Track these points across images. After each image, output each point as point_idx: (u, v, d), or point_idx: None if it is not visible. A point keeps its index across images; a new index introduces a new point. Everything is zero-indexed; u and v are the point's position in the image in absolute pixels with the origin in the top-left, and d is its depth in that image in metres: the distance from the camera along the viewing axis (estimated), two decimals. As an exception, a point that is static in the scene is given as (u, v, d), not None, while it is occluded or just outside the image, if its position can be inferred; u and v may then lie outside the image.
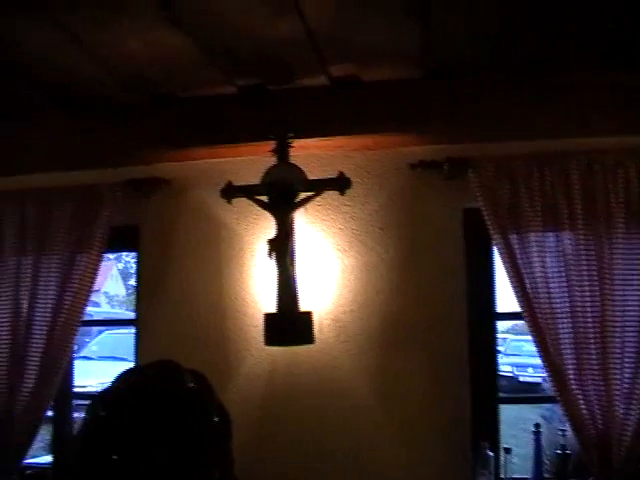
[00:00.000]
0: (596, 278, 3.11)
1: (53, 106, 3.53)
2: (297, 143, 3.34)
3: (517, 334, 14.07)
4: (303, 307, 3.33)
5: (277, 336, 3.32)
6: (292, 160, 3.35)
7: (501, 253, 3.20)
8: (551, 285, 3.15)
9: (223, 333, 3.60)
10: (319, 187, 3.35)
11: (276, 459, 3.47)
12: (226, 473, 1.67)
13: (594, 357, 3.08)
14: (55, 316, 3.59)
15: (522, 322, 3.28)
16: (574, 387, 3.09)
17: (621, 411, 3.04)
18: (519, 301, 3.17)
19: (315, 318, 3.36)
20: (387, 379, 3.44)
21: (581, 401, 3.08)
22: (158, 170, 3.66)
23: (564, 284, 3.14)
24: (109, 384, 1.67)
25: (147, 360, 1.67)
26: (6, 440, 3.58)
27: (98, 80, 3.27)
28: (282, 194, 3.31)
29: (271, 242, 3.28)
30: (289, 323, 3.30)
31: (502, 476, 3.29)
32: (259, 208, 3.39)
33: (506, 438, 3.48)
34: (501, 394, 3.57)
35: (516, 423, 7.57)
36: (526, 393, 11.87)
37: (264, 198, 3.36)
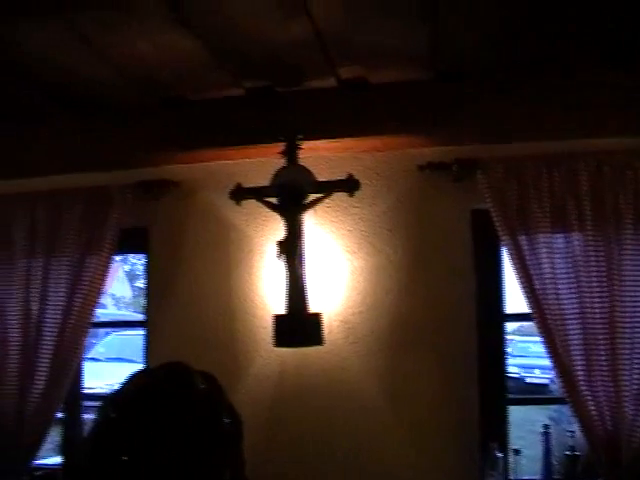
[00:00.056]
0: (605, 279, 3.11)
1: (63, 109, 3.54)
2: (306, 145, 3.34)
3: (524, 335, 14.04)
4: (312, 308, 3.34)
5: (286, 337, 3.32)
6: (301, 162, 3.35)
7: (510, 254, 3.20)
8: (560, 286, 3.15)
9: (232, 334, 3.61)
10: (328, 189, 3.35)
11: (285, 460, 3.48)
12: (237, 474, 1.67)
13: (603, 358, 3.08)
14: (65, 318, 3.60)
15: (529, 323, 3.28)
16: (583, 388, 3.09)
17: (630, 412, 3.04)
18: (528, 302, 3.17)
19: (324, 319, 3.37)
20: (396, 380, 3.45)
21: (590, 402, 3.08)
22: (167, 172, 3.67)
23: (573, 285, 3.13)
24: (119, 386, 1.67)
25: (157, 362, 1.67)
26: (16, 441, 3.60)
27: (108, 82, 3.28)
28: (291, 196, 3.32)
29: (280, 243, 3.29)
30: (298, 324, 3.31)
31: (511, 477, 3.29)
32: (268, 210, 3.40)
33: (513, 440, 3.48)
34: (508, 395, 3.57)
35: (523, 425, 7.55)
36: (533, 394, 11.84)
37: (273, 200, 3.37)
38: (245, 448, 1.79)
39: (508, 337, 3.62)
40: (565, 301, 3.14)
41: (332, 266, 3.53)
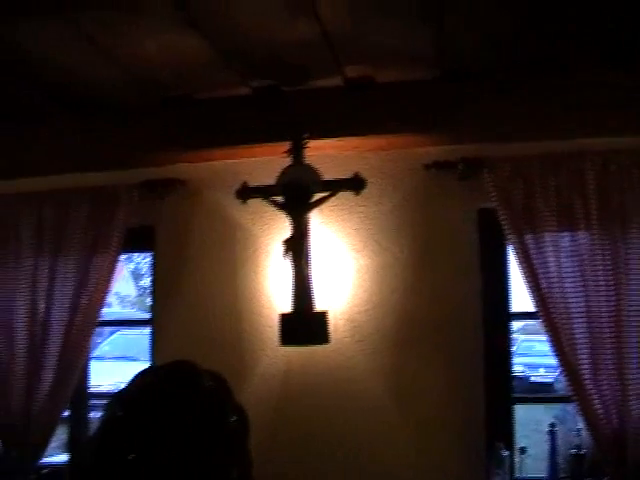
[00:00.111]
0: (611, 277, 3.11)
1: (67, 109, 3.55)
2: (312, 144, 3.34)
3: (528, 334, 14.01)
4: (318, 307, 3.34)
5: (292, 336, 3.33)
6: (307, 161, 3.35)
7: (516, 253, 3.20)
8: (566, 285, 3.15)
9: (238, 333, 3.61)
10: (334, 188, 3.36)
11: (291, 459, 3.48)
12: (244, 473, 1.67)
13: (609, 356, 3.08)
14: (72, 317, 3.61)
15: (533, 322, 3.29)
16: (589, 386, 3.09)
17: (636, 410, 3.04)
18: (534, 301, 3.17)
19: (330, 318, 3.37)
20: (402, 379, 3.45)
21: (596, 400, 3.08)
22: (173, 171, 3.68)
23: (579, 284, 3.14)
24: (126, 384, 1.67)
25: (163, 361, 1.67)
26: (23, 440, 3.61)
27: (113, 82, 3.29)
28: (297, 195, 3.32)
29: (286, 242, 3.29)
30: (304, 323, 3.32)
31: (517, 476, 3.30)
32: (274, 209, 3.40)
33: (518, 439, 3.48)
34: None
35: (528, 424, 7.54)
36: (537, 393, 11.81)
37: (279, 199, 3.37)
38: (251, 447, 1.80)
39: (512, 336, 3.62)
40: (571, 300, 3.14)
41: (338, 265, 3.53)
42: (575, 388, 3.11)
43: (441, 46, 2.98)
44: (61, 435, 4.09)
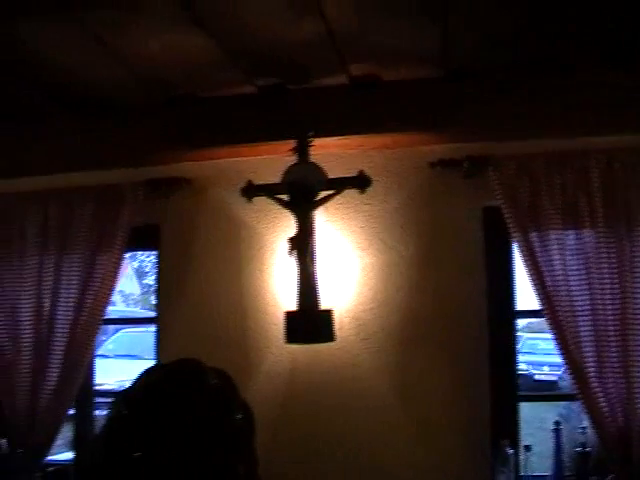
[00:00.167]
0: (616, 275, 3.11)
1: (74, 108, 3.55)
2: (317, 142, 3.34)
3: (532, 332, 14.00)
4: (323, 305, 3.34)
5: (298, 334, 3.33)
6: (312, 159, 3.35)
7: (521, 251, 3.20)
8: (571, 283, 3.15)
9: (243, 331, 3.62)
10: (339, 186, 3.36)
11: (296, 457, 3.49)
12: (250, 470, 1.67)
13: (614, 354, 3.08)
14: (77, 315, 3.61)
15: (537, 320, 3.29)
16: (595, 384, 3.09)
17: (642, 408, 3.05)
18: (539, 299, 3.17)
19: (335, 316, 3.38)
20: (407, 377, 3.45)
21: (601, 398, 3.08)
22: (178, 170, 3.68)
23: (584, 282, 3.14)
24: (132, 382, 1.68)
25: (168, 359, 1.68)
26: (29, 438, 3.62)
27: (119, 81, 3.29)
28: (302, 193, 3.32)
29: (292, 240, 3.30)
30: (310, 321, 3.32)
31: (522, 474, 3.30)
32: (279, 207, 3.41)
33: (523, 437, 3.48)
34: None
35: (532, 422, 7.54)
36: (542, 392, 11.81)
37: (284, 197, 3.38)
38: (257, 445, 1.80)
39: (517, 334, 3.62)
40: (576, 297, 3.14)
41: (343, 263, 3.53)
42: (580, 386, 3.10)
43: (445, 45, 2.98)
44: (66, 433, 4.09)
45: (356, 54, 3.07)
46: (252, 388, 3.43)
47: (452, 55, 3.08)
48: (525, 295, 3.50)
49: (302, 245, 3.29)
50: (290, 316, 3.33)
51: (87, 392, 3.94)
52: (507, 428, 3.35)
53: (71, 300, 3.64)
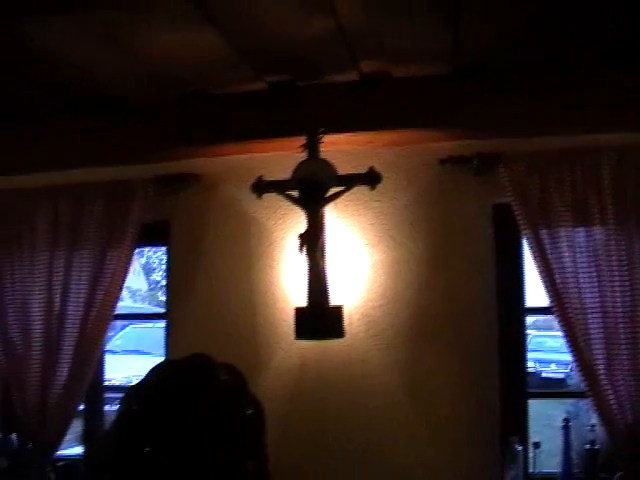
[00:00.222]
0: (626, 273, 3.11)
1: (86, 104, 3.55)
2: (327, 139, 3.33)
3: (540, 330, 14.00)
4: (333, 301, 3.34)
5: (307, 330, 3.33)
6: (322, 156, 3.35)
7: (531, 248, 3.20)
8: (581, 280, 3.15)
9: (253, 327, 3.62)
10: (349, 182, 3.35)
11: (304, 453, 3.50)
12: (260, 466, 1.68)
13: (624, 352, 3.08)
14: (87, 311, 3.63)
15: (545, 318, 3.29)
16: (604, 382, 3.09)
17: (652, 406, 3.05)
18: (549, 296, 3.17)
19: (345, 312, 3.37)
20: (416, 374, 3.45)
21: (611, 396, 3.08)
22: (188, 166, 3.68)
23: (594, 279, 3.14)
24: (143, 378, 1.69)
25: (177, 355, 1.69)
26: (39, 433, 3.64)
27: (130, 78, 3.29)
28: (312, 189, 3.32)
29: (301, 237, 3.30)
30: (319, 317, 3.32)
31: (531, 471, 3.30)
32: (289, 203, 3.41)
33: (531, 434, 3.49)
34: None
35: (540, 419, 7.55)
36: (549, 389, 11.80)
37: (294, 193, 3.37)
38: (267, 441, 1.81)
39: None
40: (586, 295, 3.14)
41: (353, 259, 3.53)
42: (590, 383, 3.10)
43: (456, 42, 2.97)
44: (76, 428, 4.11)
45: (366, 51, 3.07)
46: (261, 384, 3.41)
47: (463, 52, 3.08)
48: (535, 292, 3.50)
49: (312, 241, 3.29)
50: (300, 312, 3.33)
51: (97, 387, 3.95)
52: (516, 425, 3.35)
53: (81, 296, 3.65)
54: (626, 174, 3.15)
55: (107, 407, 4.05)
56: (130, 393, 1.67)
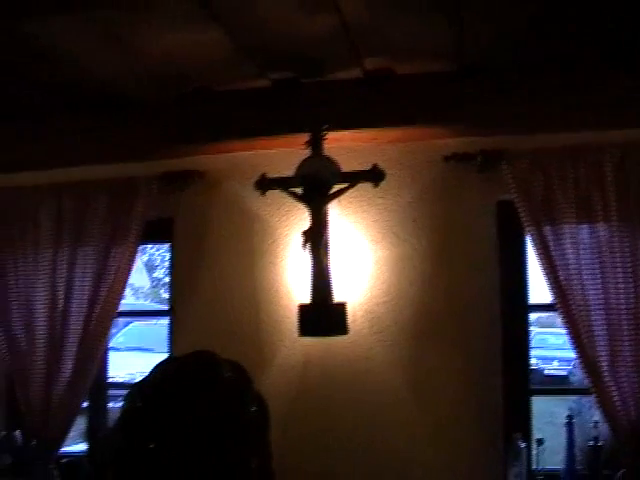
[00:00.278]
0: (630, 269, 3.11)
1: (88, 103, 3.56)
2: (330, 135, 3.34)
3: (542, 327, 13.99)
4: (337, 298, 3.35)
5: (311, 327, 3.34)
6: (326, 152, 3.35)
7: (535, 245, 3.20)
8: (585, 277, 3.15)
9: (257, 324, 3.63)
10: (353, 179, 3.35)
11: (308, 450, 3.50)
12: (264, 463, 1.68)
13: (627, 348, 3.08)
14: (91, 308, 3.63)
15: (547, 315, 3.29)
16: (607, 378, 3.09)
17: (655, 403, 3.05)
18: (553, 293, 3.17)
19: (349, 309, 3.38)
20: (420, 371, 3.46)
21: (615, 392, 3.08)
22: (192, 163, 3.69)
23: (598, 276, 3.14)
24: (147, 374, 1.69)
25: (181, 351, 1.69)
26: (43, 430, 3.64)
27: (134, 76, 3.30)
28: (316, 186, 3.32)
29: (305, 234, 3.30)
30: (323, 314, 3.32)
31: (534, 467, 3.31)
32: (293, 200, 3.41)
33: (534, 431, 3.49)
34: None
35: (542, 416, 7.53)
36: (551, 386, 11.79)
37: (298, 190, 3.38)
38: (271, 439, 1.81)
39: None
40: (589, 291, 3.14)
41: (356, 256, 3.54)
42: (593, 380, 3.11)
43: (459, 40, 2.98)
44: (80, 424, 4.12)
45: (370, 48, 3.07)
46: (265, 382, 3.40)
47: (466, 50, 3.08)
48: (538, 289, 3.51)
49: (315, 238, 3.29)
50: (303, 309, 3.33)
51: (101, 384, 3.96)
52: (519, 422, 3.35)
53: (85, 293, 3.66)
54: (629, 171, 3.15)
55: (111, 404, 4.05)
56: (134, 390, 1.66)
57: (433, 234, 3.48)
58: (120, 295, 3.67)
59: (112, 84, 3.39)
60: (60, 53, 3.01)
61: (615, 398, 3.08)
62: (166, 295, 4.05)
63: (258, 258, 3.66)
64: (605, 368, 3.10)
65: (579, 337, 3.13)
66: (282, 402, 3.42)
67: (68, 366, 3.64)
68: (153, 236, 3.83)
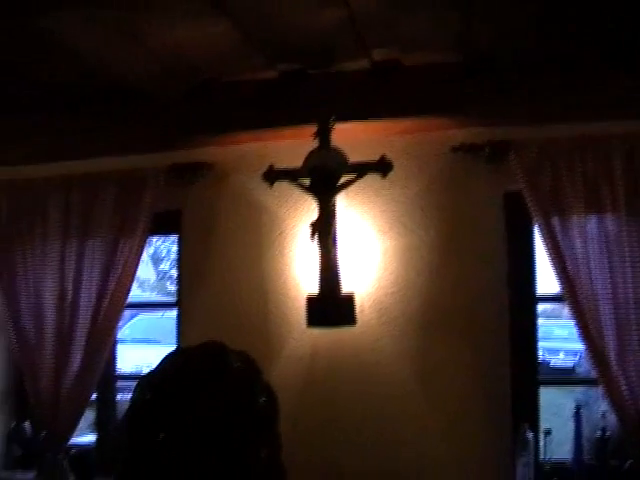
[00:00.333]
0: (638, 260, 3.10)
1: (99, 96, 3.56)
2: (338, 127, 3.34)
3: (548, 318, 13.97)
4: (345, 289, 3.35)
5: (319, 318, 3.35)
6: (333, 144, 3.35)
7: (543, 236, 3.20)
8: (593, 268, 3.14)
9: (265, 316, 3.63)
10: (360, 170, 3.35)
11: (316, 442, 3.51)
12: (273, 455, 1.68)
13: (635, 339, 3.08)
14: (99, 300, 3.64)
15: (552, 306, 3.29)
16: (615, 369, 3.09)
17: (663, 393, 3.05)
18: (561, 284, 3.17)
19: (357, 300, 3.39)
20: (428, 362, 3.46)
21: (622, 383, 3.08)
22: (200, 155, 3.69)
23: (606, 267, 3.13)
24: (155, 366, 1.69)
25: (189, 343, 1.69)
26: (52, 422, 3.66)
27: (143, 68, 3.30)
28: (324, 178, 3.32)
29: (313, 225, 3.30)
30: (331, 305, 3.33)
31: (542, 458, 3.31)
32: (301, 192, 3.41)
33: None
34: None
35: (549, 408, 7.53)
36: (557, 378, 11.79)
37: (306, 182, 3.38)
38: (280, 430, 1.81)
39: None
40: (597, 282, 3.14)
41: (364, 247, 3.54)
42: (601, 370, 3.10)
43: (466, 32, 2.98)
44: (88, 416, 4.13)
45: (378, 39, 3.07)
46: (273, 373, 3.40)
47: (473, 42, 3.08)
48: (546, 280, 3.51)
49: (323, 230, 3.29)
50: (311, 300, 3.34)
51: (109, 376, 3.97)
52: (527, 413, 3.35)
53: (93, 285, 3.67)
54: (638, 162, 3.13)
55: (119, 396, 4.07)
56: (143, 382, 1.66)
57: (441, 225, 3.48)
58: (128, 287, 3.67)
59: (123, 77, 3.39)
60: (74, 48, 3.02)
61: (623, 388, 3.08)
62: (172, 287, 4.05)
63: (266, 250, 3.66)
64: (613, 359, 3.09)
65: (587, 328, 3.13)
66: (290, 394, 3.42)
67: (77, 359, 3.66)
68: (161, 228, 3.83)
